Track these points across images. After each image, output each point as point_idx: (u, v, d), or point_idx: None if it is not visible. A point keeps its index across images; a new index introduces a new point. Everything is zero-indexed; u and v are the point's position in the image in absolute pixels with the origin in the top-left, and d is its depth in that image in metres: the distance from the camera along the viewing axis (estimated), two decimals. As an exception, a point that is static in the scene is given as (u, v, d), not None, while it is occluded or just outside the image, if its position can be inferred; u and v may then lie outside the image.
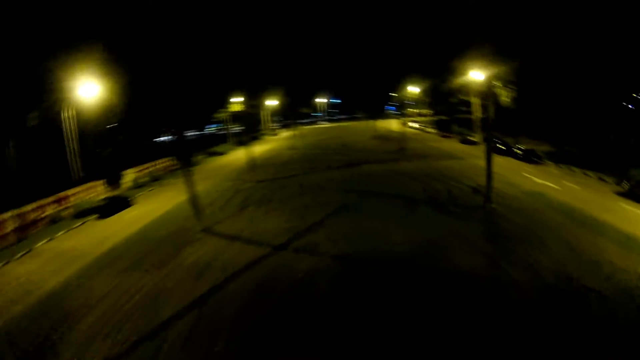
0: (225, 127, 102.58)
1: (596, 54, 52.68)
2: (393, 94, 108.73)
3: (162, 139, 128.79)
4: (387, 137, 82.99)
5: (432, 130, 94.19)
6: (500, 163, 49.45)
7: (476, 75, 67.06)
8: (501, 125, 70.84)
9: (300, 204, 35.27)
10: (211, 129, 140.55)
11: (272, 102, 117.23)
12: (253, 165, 48.69)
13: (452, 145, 67.87)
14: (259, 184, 45.17)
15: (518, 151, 52.38)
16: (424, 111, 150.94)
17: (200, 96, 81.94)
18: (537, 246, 23.29)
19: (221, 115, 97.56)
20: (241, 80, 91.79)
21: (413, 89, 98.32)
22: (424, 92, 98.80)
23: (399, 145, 68.11)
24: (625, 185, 35.04)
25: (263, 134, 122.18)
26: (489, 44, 61.20)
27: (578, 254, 22.04)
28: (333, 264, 22.27)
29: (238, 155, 75.82)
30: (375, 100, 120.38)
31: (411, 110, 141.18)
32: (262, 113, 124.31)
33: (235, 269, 22.28)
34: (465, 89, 76.14)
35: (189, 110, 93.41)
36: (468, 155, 55.55)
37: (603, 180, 39.17)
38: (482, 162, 49.42)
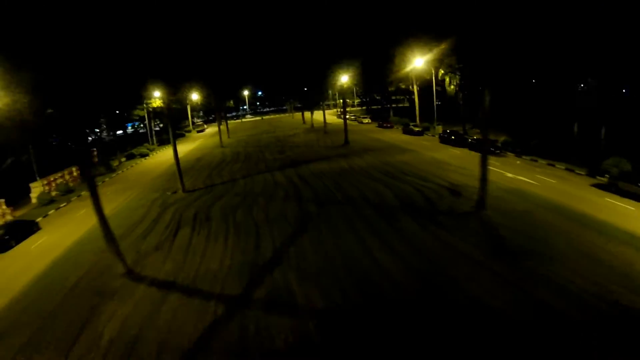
0: (147, 125, 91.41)
1: (551, 37, 48.96)
2: (319, 84, 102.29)
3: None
4: (322, 130, 76.44)
5: (368, 121, 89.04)
6: (458, 155, 44.96)
7: (418, 62, 62.62)
8: (446, 115, 66.94)
9: (247, 222, 27.66)
10: (135, 126, 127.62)
11: (195, 97, 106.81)
12: (181, 170, 39.88)
13: (396, 136, 62.66)
14: (191, 195, 36.84)
15: (474, 142, 47.77)
16: (351, 101, 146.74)
17: (118, 91, 70.86)
18: (555, 258, 19.14)
19: (141, 112, 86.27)
20: (162, 74, 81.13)
21: (343, 79, 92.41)
22: (354, 81, 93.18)
23: (339, 138, 62.13)
24: (603, 179, 32.06)
25: (189, 131, 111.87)
26: (431, 29, 56.83)
27: (601, 264, 18.38)
28: (324, 329, 15.06)
29: (163, 157, 66.57)
30: (303, 91, 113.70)
31: (339, 101, 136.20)
32: (187, 108, 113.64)
33: (179, 350, 14.42)
34: (405, 77, 71.48)
35: (106, 106, 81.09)
36: (420, 148, 50.39)
37: (571, 171, 35.49)
38: (438, 155, 45.12)
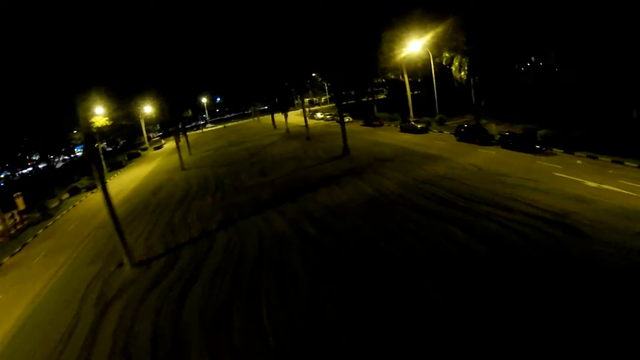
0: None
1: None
2: (286, 83, 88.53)
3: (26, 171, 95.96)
4: (303, 136, 62.57)
5: (349, 119, 75.47)
6: (497, 157, 32.73)
7: (414, 45, 49.95)
8: (446, 106, 54.63)
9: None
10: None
11: (149, 110, 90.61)
12: (123, 234, 24.42)
13: (397, 136, 49.70)
14: (144, 274, 21.92)
15: (510, 139, 35.68)
16: (316, 98, 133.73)
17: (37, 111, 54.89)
18: None
19: (78, 135, 69.90)
20: (107, 87, 65.32)
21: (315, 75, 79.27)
22: (322, 75, 79.94)
23: (331, 146, 48.87)
24: None
25: (145, 149, 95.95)
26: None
27: None
28: None
29: (115, 187, 52.21)
30: (272, 91, 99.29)
31: (306, 100, 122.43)
32: (140, 123, 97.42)
33: None
34: (394, 66, 58.77)
35: (45, 129, 64.33)
36: (441, 151, 37.72)
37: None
38: (475, 160, 32.70)
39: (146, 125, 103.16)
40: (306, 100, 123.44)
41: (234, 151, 62.09)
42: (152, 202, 38.16)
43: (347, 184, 31.32)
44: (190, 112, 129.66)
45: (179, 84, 72.85)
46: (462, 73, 46.05)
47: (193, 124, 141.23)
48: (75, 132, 67.98)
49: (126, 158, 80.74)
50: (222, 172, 46.61)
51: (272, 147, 59.06)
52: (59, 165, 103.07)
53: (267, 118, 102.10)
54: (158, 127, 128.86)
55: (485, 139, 38.57)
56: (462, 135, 41.43)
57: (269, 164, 45.80)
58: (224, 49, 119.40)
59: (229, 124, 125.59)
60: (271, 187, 34.97)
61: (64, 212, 45.17)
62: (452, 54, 46.84)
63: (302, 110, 79.70)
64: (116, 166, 73.27)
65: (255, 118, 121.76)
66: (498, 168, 29.51)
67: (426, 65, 53.32)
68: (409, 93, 57.92)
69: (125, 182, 55.43)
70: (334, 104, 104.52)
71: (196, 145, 78.75)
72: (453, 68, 47.42)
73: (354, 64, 56.87)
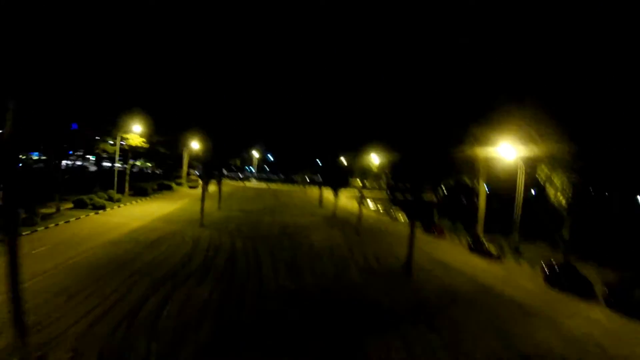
0: (126, 165, 68.70)
1: None
2: (342, 158, 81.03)
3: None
4: (351, 226, 52.21)
5: (403, 218, 66.17)
6: (610, 327, 22.79)
7: (506, 150, 40.65)
8: (525, 225, 43.60)
9: None
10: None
11: (196, 146, 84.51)
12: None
13: (467, 259, 38.64)
14: None
15: (618, 297, 25.99)
16: (370, 184, 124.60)
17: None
18: None
19: (110, 147, 64.03)
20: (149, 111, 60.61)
21: (374, 159, 70.78)
22: (387, 163, 71.70)
23: (384, 252, 38.86)
24: None
25: (180, 183, 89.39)
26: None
27: None
28: None
29: (126, 216, 45.44)
30: (321, 162, 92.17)
31: (358, 181, 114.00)
32: (183, 156, 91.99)
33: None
34: (472, 167, 49.76)
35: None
36: (531, 298, 27.09)
37: None
38: (583, 327, 21.89)
39: (191, 159, 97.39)
40: (358, 182, 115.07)
41: (266, 222, 52.19)
42: (137, 261, 28.27)
43: (416, 340, 19.30)
44: (238, 162, 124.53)
45: (229, 130, 67.12)
46: (562, 197, 35.95)
47: (234, 174, 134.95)
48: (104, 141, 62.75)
49: (155, 187, 73.50)
50: (242, 248, 36.02)
51: (312, 231, 48.12)
52: (92, 168, 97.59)
53: (314, 190, 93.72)
54: (204, 166, 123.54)
55: (584, 290, 28.41)
56: (553, 278, 30.96)
57: (303, 257, 34.72)
58: (288, 110, 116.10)
59: (274, 185, 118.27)
60: (297, 303, 23.54)
61: (52, 225, 37.42)
62: (552, 170, 37.19)
63: (357, 192, 70.57)
64: (141, 192, 66.02)
65: (302, 186, 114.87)
66: (623, 350, 19.04)
67: (509, 174, 43.99)
68: (482, 204, 47.78)
69: (135, 215, 46.59)
70: (387, 196, 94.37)
71: (230, 199, 70.30)
72: (550, 189, 37.53)
73: (428, 159, 47.88)
